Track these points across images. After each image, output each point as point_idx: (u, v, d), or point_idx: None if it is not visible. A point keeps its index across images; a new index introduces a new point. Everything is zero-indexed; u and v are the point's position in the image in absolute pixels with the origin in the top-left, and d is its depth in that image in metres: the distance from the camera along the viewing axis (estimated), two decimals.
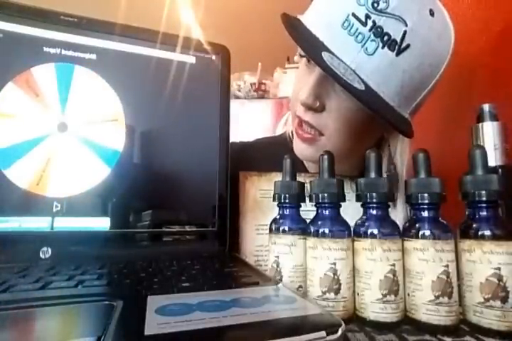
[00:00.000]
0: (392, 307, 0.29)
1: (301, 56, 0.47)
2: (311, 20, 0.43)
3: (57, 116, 0.39)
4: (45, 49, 0.39)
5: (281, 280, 0.33)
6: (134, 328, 0.19)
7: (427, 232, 0.29)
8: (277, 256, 0.34)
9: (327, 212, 0.33)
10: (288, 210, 0.35)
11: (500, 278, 0.27)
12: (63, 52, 0.40)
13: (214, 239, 0.44)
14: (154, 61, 0.44)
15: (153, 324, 0.19)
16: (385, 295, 0.29)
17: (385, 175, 0.41)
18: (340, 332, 0.20)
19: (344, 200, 0.33)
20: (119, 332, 0.19)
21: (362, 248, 0.30)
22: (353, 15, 0.39)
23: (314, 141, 0.46)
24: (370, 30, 0.38)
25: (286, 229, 0.34)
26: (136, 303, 0.23)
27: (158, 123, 0.44)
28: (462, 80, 0.62)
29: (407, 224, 0.31)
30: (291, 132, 0.52)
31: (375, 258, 0.30)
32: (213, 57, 0.47)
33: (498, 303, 0.27)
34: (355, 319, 0.30)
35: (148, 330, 0.18)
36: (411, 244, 0.30)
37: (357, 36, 0.38)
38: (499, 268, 0.27)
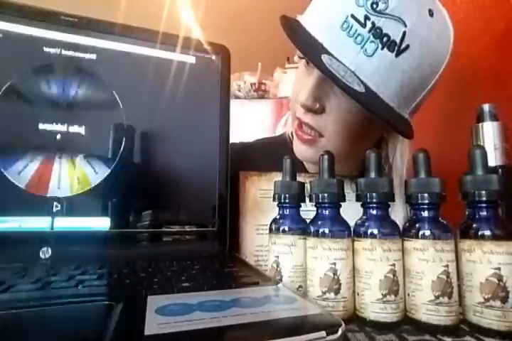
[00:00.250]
0: (392, 307, 0.29)
1: (300, 57, 0.47)
2: (310, 21, 0.43)
3: (57, 116, 0.39)
4: (45, 49, 0.39)
5: (281, 280, 0.33)
6: (134, 328, 0.19)
7: (427, 232, 0.29)
8: (277, 256, 0.34)
9: (327, 212, 0.33)
10: (288, 210, 0.35)
11: (500, 278, 0.27)
12: (63, 52, 0.40)
13: (214, 239, 0.44)
14: (154, 61, 0.44)
15: (153, 324, 0.19)
16: (385, 295, 0.29)
17: None
18: (340, 332, 0.20)
19: (344, 200, 0.33)
20: (119, 332, 0.19)
21: (362, 248, 0.30)
22: (352, 16, 0.39)
23: (314, 142, 0.46)
24: (369, 31, 0.38)
25: (286, 229, 0.34)
26: (136, 303, 0.23)
27: (158, 123, 0.44)
28: (462, 80, 0.62)
29: (407, 224, 0.31)
30: (291, 133, 0.52)
31: (375, 258, 0.30)
32: (213, 57, 0.47)
33: (498, 303, 0.27)
34: (355, 319, 0.30)
35: (148, 330, 0.18)
36: (411, 244, 0.30)
37: (356, 37, 0.38)
38: (499, 268, 0.27)
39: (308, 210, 0.35)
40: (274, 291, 0.27)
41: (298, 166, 0.43)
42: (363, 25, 0.38)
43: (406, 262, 0.30)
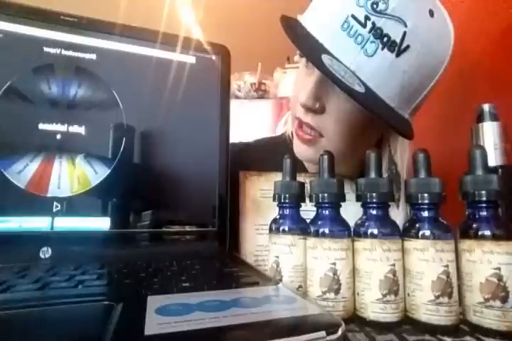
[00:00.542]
0: (392, 307, 0.29)
1: (301, 56, 0.47)
2: (310, 21, 0.43)
3: (57, 116, 0.39)
4: (45, 49, 0.39)
5: (281, 280, 0.33)
6: (134, 328, 0.19)
7: (427, 232, 0.29)
8: (277, 256, 0.34)
9: (327, 212, 0.33)
10: (288, 210, 0.35)
11: (500, 278, 0.27)
12: (63, 52, 0.40)
13: (214, 239, 0.44)
14: (154, 61, 0.44)
15: (153, 324, 0.19)
16: (385, 295, 0.29)
17: (385, 175, 0.41)
18: (340, 332, 0.20)
19: (344, 200, 0.33)
20: (119, 332, 0.19)
21: (362, 248, 0.30)
22: (353, 16, 0.39)
23: (314, 142, 0.46)
24: (369, 31, 0.38)
25: (286, 229, 0.34)
26: (136, 303, 0.23)
27: (158, 124, 0.44)
28: (462, 80, 0.62)
29: (407, 224, 0.31)
30: (291, 133, 0.52)
31: (375, 258, 0.30)
32: (213, 57, 0.47)
33: (498, 303, 0.27)
34: (355, 319, 0.30)
35: (148, 330, 0.18)
36: (411, 244, 0.30)
37: (356, 38, 0.38)
38: (499, 268, 0.27)
39: (308, 210, 0.35)
40: (274, 291, 0.27)
41: (298, 166, 0.43)
42: (364, 26, 0.38)
43: (406, 262, 0.30)
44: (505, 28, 0.55)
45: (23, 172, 0.37)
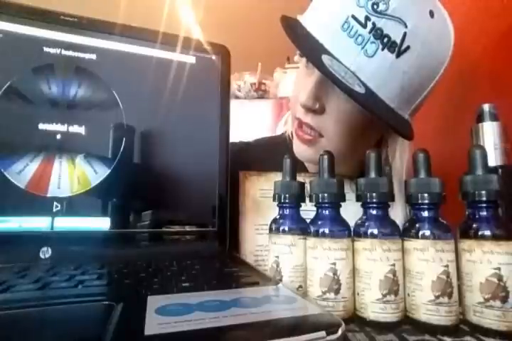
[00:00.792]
0: (392, 307, 0.29)
1: (301, 56, 0.47)
2: (310, 21, 0.43)
3: (57, 116, 0.39)
4: (45, 49, 0.39)
5: (281, 280, 0.33)
6: (134, 328, 0.19)
7: (427, 232, 0.29)
8: (277, 256, 0.34)
9: (327, 212, 0.33)
10: (288, 210, 0.35)
11: (500, 278, 0.27)
12: (63, 52, 0.40)
13: (214, 239, 0.44)
14: (154, 61, 0.44)
15: (153, 324, 0.19)
16: (385, 295, 0.29)
17: None
18: (340, 332, 0.20)
19: (344, 200, 0.33)
20: (119, 332, 0.19)
21: (362, 248, 0.30)
22: (353, 17, 0.39)
23: (314, 142, 0.46)
24: (369, 32, 0.38)
25: (286, 229, 0.34)
26: (136, 303, 0.23)
27: (158, 123, 0.44)
28: (462, 80, 0.62)
29: (407, 224, 0.31)
30: (291, 133, 0.52)
31: (375, 258, 0.30)
32: (213, 57, 0.47)
33: (498, 303, 0.27)
34: (355, 319, 0.30)
35: (148, 330, 0.18)
36: (411, 244, 0.30)
37: (357, 38, 0.38)
38: (499, 268, 0.27)
39: (308, 210, 0.35)
40: (274, 291, 0.27)
41: (298, 166, 0.43)
42: (364, 26, 0.38)
43: (406, 262, 0.30)
44: (506, 28, 0.55)
45: (23, 172, 0.37)
